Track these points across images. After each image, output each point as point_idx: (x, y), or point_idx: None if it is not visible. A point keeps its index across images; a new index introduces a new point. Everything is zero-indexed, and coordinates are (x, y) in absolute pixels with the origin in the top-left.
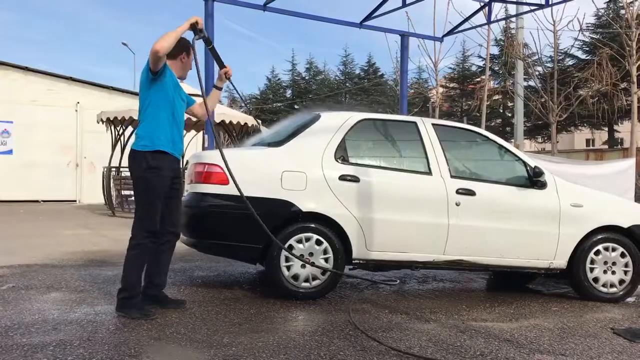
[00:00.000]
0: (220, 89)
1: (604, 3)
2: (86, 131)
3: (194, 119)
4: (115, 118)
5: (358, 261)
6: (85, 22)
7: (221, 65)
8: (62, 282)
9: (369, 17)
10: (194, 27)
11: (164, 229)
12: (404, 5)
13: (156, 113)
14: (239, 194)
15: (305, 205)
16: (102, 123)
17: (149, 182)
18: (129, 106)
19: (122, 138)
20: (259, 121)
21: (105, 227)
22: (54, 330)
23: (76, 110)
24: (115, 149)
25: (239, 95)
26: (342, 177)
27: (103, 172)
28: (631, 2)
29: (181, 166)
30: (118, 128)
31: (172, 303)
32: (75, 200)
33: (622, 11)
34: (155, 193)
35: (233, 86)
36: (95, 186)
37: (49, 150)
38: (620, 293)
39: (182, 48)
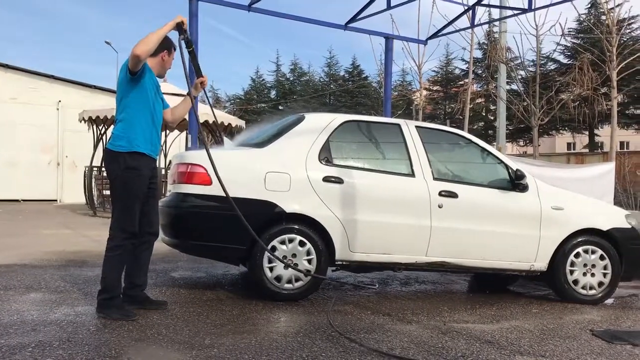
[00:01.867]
0: (193, 96)
1: (585, 8)
2: (68, 130)
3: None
4: (98, 117)
5: (341, 262)
6: (67, 19)
7: (199, 72)
8: (42, 282)
9: (353, 19)
10: (179, 26)
11: (142, 229)
12: (389, 7)
13: (135, 113)
14: (224, 195)
15: (289, 206)
16: (84, 122)
17: (127, 182)
18: (112, 105)
19: (104, 137)
20: (240, 125)
21: (86, 227)
22: (33, 331)
23: (57, 109)
24: (97, 148)
25: (210, 107)
26: (326, 179)
27: (84, 172)
28: (612, 9)
29: (157, 166)
30: (100, 127)
31: (154, 304)
32: (56, 200)
33: (603, 17)
34: (133, 194)
35: (207, 97)
36: (76, 186)
37: (29, 149)
38: (599, 295)
39: (163, 46)
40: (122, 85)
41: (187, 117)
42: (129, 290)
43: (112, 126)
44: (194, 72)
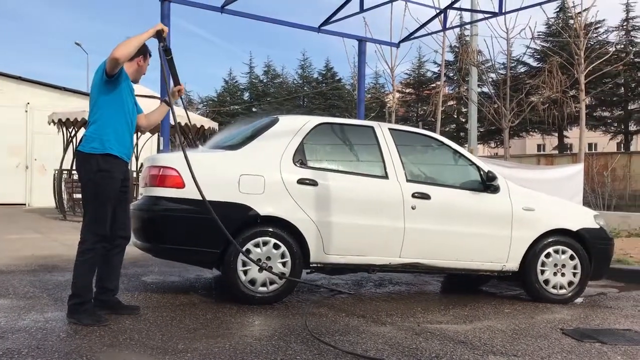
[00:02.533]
0: (169, 104)
1: (554, 12)
2: (37, 132)
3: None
4: (68, 119)
5: (316, 265)
6: (35, 20)
7: (176, 80)
8: (10, 288)
9: (327, 21)
10: (159, 34)
11: (114, 233)
12: (362, 10)
13: (109, 115)
14: (200, 198)
15: (263, 209)
16: (54, 124)
17: (99, 185)
18: (82, 107)
19: (74, 140)
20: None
21: (56, 231)
22: (0, 339)
23: (26, 111)
24: (67, 151)
25: (185, 110)
26: (301, 181)
27: (54, 175)
28: (579, 13)
29: (129, 169)
30: (70, 130)
31: (126, 309)
32: (24, 204)
33: (571, 21)
34: (105, 196)
35: (184, 105)
36: (46, 189)
37: None
38: (569, 294)
39: (140, 51)
40: (97, 88)
41: None
42: (101, 295)
43: (82, 128)
44: (172, 79)
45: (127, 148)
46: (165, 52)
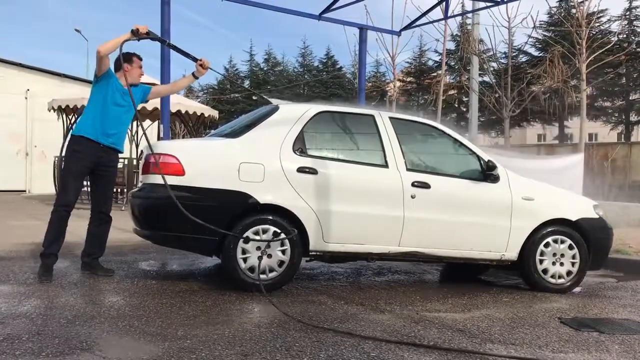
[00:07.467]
0: (196, 77)
1: (556, 2)
2: (37, 119)
3: (149, 109)
4: (67, 106)
5: (315, 253)
6: (35, 6)
7: (191, 58)
8: (10, 274)
9: (328, 9)
10: (134, 33)
11: (93, 210)
12: None
13: (91, 106)
14: (202, 186)
15: (263, 197)
16: (54, 111)
17: (67, 161)
18: (81, 94)
19: (73, 127)
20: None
21: None
22: (0, 325)
23: (26, 98)
24: (66, 137)
25: (230, 79)
26: (300, 169)
27: (54, 162)
28: (581, 2)
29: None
30: (70, 116)
31: (102, 270)
32: (24, 191)
33: (573, 10)
34: (70, 171)
35: (221, 74)
36: (46, 176)
37: None
38: (568, 284)
39: (124, 61)
40: (93, 81)
41: (159, 107)
42: (84, 257)
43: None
44: (190, 59)
45: (103, 133)
46: (161, 42)
